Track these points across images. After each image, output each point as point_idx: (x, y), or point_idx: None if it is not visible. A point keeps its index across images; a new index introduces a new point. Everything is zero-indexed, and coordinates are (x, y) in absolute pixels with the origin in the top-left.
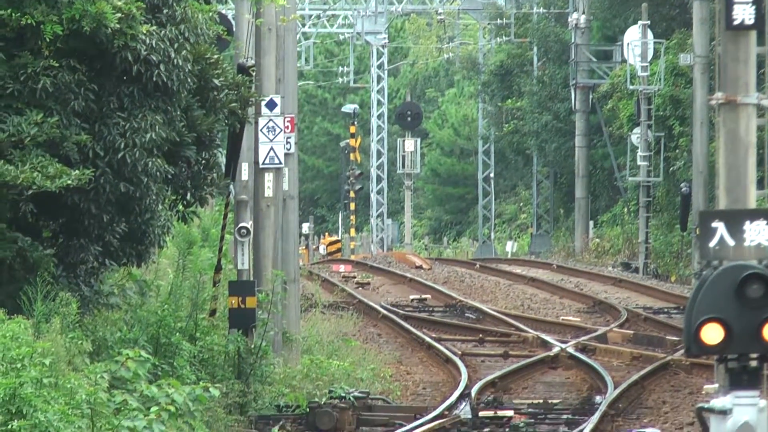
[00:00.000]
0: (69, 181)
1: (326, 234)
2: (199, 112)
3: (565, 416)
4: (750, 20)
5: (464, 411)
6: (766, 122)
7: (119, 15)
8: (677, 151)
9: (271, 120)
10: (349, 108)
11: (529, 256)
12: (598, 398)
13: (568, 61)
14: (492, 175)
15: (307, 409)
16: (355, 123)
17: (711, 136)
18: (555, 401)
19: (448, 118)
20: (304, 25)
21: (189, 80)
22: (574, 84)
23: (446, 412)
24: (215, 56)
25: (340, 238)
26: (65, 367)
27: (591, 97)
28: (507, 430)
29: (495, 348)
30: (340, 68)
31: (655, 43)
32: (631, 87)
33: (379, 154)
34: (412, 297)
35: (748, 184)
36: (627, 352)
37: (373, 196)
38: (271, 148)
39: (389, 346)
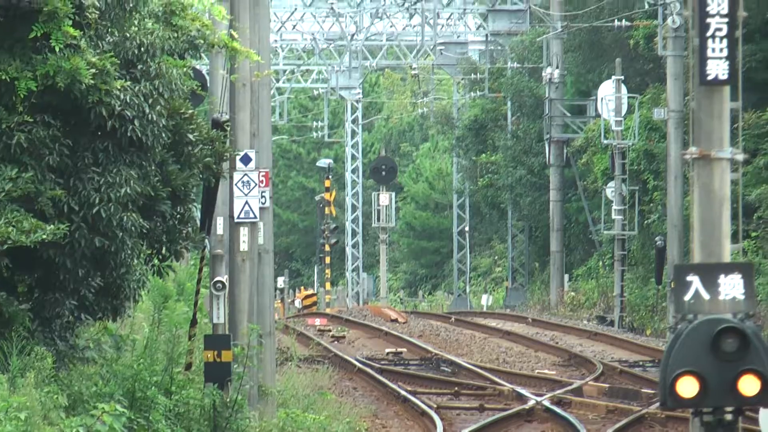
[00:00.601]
0: (44, 236)
1: (302, 288)
2: (173, 166)
3: None
4: (724, 75)
5: None
6: (739, 176)
7: (93, 71)
8: (651, 204)
9: (245, 174)
10: (323, 162)
11: (504, 310)
12: None
13: (542, 116)
14: (467, 228)
15: None
16: (330, 177)
17: (685, 190)
18: None
19: (423, 172)
20: (278, 80)
21: (163, 135)
22: (548, 138)
23: None
24: (190, 111)
25: (315, 291)
26: (41, 421)
27: (565, 151)
28: None
29: (470, 401)
30: (315, 123)
31: (629, 97)
32: (606, 141)
33: (354, 208)
34: (387, 350)
35: (722, 237)
36: (602, 405)
37: (348, 250)
38: (246, 203)
39: (365, 400)
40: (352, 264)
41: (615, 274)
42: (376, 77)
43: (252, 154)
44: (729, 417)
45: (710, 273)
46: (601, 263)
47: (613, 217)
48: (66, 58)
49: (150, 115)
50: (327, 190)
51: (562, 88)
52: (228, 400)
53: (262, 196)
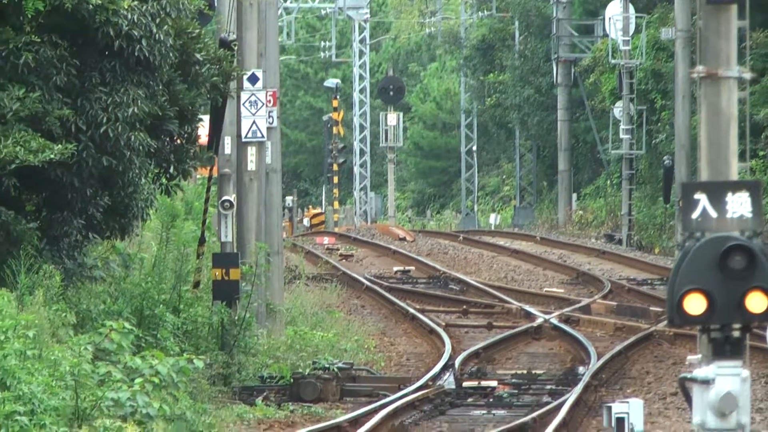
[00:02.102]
0: (52, 156)
1: (310, 207)
2: (181, 86)
3: (548, 387)
4: None
5: (448, 382)
6: (746, 95)
7: None
8: (659, 124)
9: (253, 94)
10: (331, 83)
11: (512, 229)
12: (581, 369)
13: (549, 36)
14: (474, 148)
15: (291, 380)
16: (338, 97)
17: (693, 109)
18: (538, 372)
19: (430, 92)
20: (285, 0)
21: (171, 55)
22: (555, 58)
23: (430, 383)
24: (197, 31)
25: (323, 211)
26: (49, 339)
27: (573, 71)
28: (490, 400)
29: (479, 319)
30: (322, 43)
31: (636, 17)
32: (613, 61)
33: (362, 128)
34: (395, 269)
35: (729, 156)
36: (610, 323)
37: (357, 170)
38: (254, 122)
39: (373, 318)
40: (360, 183)
41: (623, 193)
42: None
43: (259, 74)
44: (736, 334)
45: (718, 191)
46: (609, 182)
47: (621, 136)
48: None
49: (157, 35)
50: (335, 110)
51: (569, 8)
52: (236, 318)
53: (270, 116)
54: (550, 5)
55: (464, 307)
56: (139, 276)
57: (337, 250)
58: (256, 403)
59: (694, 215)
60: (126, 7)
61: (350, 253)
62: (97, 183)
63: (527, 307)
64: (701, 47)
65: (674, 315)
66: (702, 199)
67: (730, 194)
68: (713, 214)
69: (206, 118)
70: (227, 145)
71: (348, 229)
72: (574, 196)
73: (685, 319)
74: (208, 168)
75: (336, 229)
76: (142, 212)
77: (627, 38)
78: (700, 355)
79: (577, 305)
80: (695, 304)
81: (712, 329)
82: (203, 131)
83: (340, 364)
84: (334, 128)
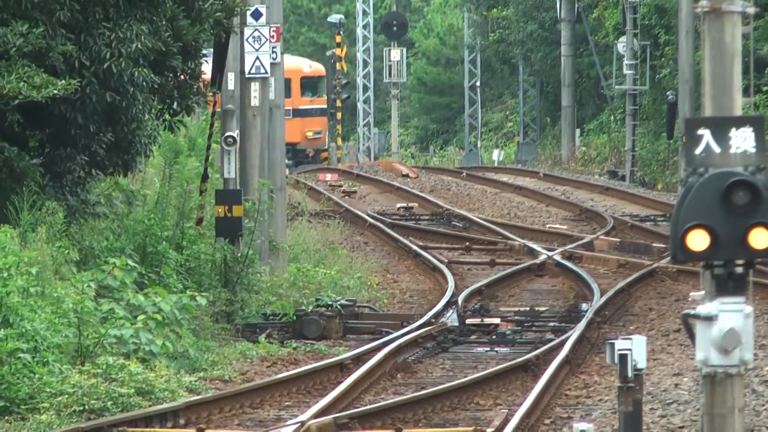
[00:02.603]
0: (55, 91)
1: None
2: (184, 21)
3: (551, 324)
4: None
5: (451, 318)
6: (750, 30)
7: None
8: (663, 59)
9: (256, 30)
10: (334, 18)
11: (515, 165)
12: (584, 306)
13: None
14: (478, 84)
15: (294, 317)
16: (341, 33)
17: (696, 45)
18: (541, 309)
19: (434, 27)
20: None
21: None
22: None
23: (433, 320)
24: None
25: (326, 146)
26: (52, 276)
27: (576, 5)
28: (494, 337)
29: (482, 256)
30: None
31: None
32: None
33: (365, 64)
34: (398, 205)
35: (733, 91)
36: (613, 259)
37: (360, 105)
38: (257, 58)
39: (376, 255)
40: (363, 119)
41: (626, 129)
42: None
43: (263, 9)
44: (739, 270)
45: (721, 126)
46: (612, 118)
47: (625, 72)
48: None
49: None
50: (338, 45)
51: None
52: (239, 255)
53: (273, 52)
54: None
55: (467, 244)
56: (142, 213)
57: (340, 186)
58: (259, 340)
59: (698, 151)
60: None
61: (353, 189)
62: (100, 119)
63: (530, 244)
64: None
65: (677, 251)
66: (705, 134)
67: (733, 129)
68: (717, 149)
69: (209, 53)
70: (230, 81)
71: (351, 166)
72: (578, 132)
73: (688, 255)
74: (212, 103)
75: (339, 166)
76: (146, 149)
77: None
78: (703, 292)
79: (580, 242)
80: (698, 239)
81: (715, 265)
82: (207, 67)
83: (342, 302)
84: (338, 64)
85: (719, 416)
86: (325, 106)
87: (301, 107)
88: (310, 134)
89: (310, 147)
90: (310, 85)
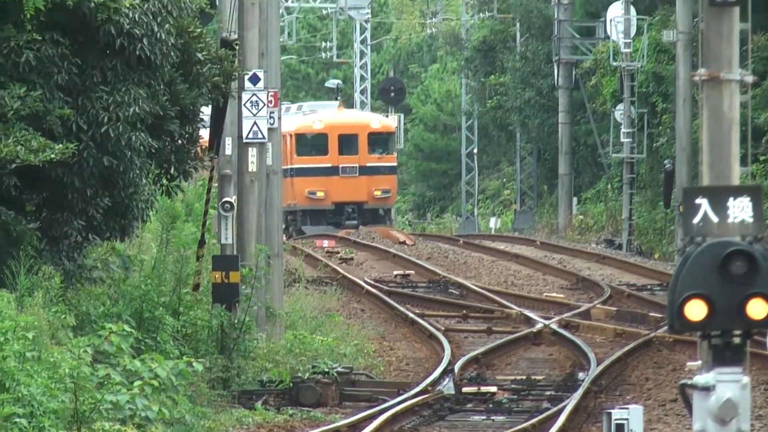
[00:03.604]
0: (52, 155)
1: None
2: (182, 86)
3: (548, 392)
4: None
5: (447, 387)
6: (749, 98)
7: None
8: (660, 127)
9: (254, 94)
10: (332, 83)
11: (512, 233)
12: (581, 375)
13: (551, 37)
14: (475, 150)
15: (291, 384)
16: (339, 98)
17: (694, 112)
18: (538, 377)
19: (431, 93)
20: (287, 0)
21: (172, 54)
22: (557, 60)
23: (429, 388)
24: (198, 30)
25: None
26: (48, 341)
27: (574, 73)
28: (490, 406)
29: (478, 324)
30: (323, 43)
31: (638, 19)
32: (614, 63)
33: None
34: (395, 273)
35: (731, 160)
36: (610, 328)
37: None
38: (255, 123)
39: (373, 322)
40: None
41: (623, 198)
42: None
43: (261, 74)
44: (737, 340)
45: (719, 195)
46: (609, 186)
47: (622, 140)
48: None
49: (159, 34)
50: None
51: (570, 9)
52: (236, 321)
53: (271, 117)
54: (552, 7)
55: (464, 311)
56: (138, 278)
57: (337, 253)
58: (256, 407)
59: (695, 220)
60: (127, 5)
61: (350, 256)
62: (97, 183)
63: (527, 312)
64: (703, 49)
65: (675, 320)
66: (703, 203)
67: (731, 199)
68: (714, 218)
69: (207, 117)
70: (228, 145)
71: (348, 233)
72: (575, 200)
73: (686, 324)
74: (209, 169)
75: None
76: (143, 213)
77: (628, 40)
78: (700, 362)
79: (577, 310)
80: (696, 309)
81: (712, 335)
82: (204, 132)
83: (339, 369)
84: None
85: None
86: (394, 164)
87: (369, 164)
88: (378, 193)
89: (378, 206)
90: (378, 141)
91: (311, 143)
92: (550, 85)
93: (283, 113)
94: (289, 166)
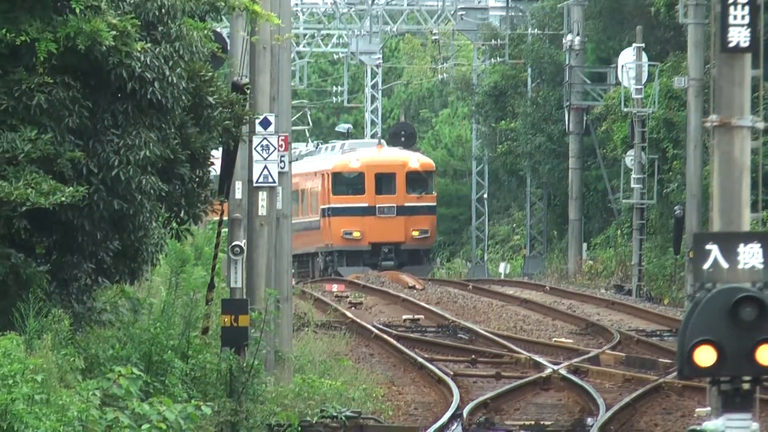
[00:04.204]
0: (63, 198)
1: None
2: (193, 129)
3: None
4: (745, 43)
5: None
6: (759, 145)
7: (114, 32)
8: (671, 173)
9: (265, 138)
10: (343, 127)
11: (522, 278)
12: (590, 420)
13: (562, 83)
14: (485, 195)
15: (299, 428)
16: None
17: (704, 159)
18: (547, 423)
19: (442, 138)
20: (298, 44)
21: (183, 98)
22: (568, 106)
23: None
24: (210, 74)
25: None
26: (57, 383)
27: (585, 118)
28: None
29: (487, 369)
30: (334, 87)
31: (649, 65)
32: (625, 109)
33: None
34: (404, 317)
35: (742, 206)
36: (619, 374)
37: None
38: (265, 167)
39: (381, 366)
40: None
41: (633, 243)
42: (396, 42)
43: (271, 118)
44: (746, 386)
45: (729, 242)
46: (619, 232)
47: (632, 185)
48: (87, 19)
49: (170, 78)
50: None
51: (582, 55)
52: (244, 364)
53: (281, 161)
54: (563, 52)
55: (473, 356)
56: (148, 321)
57: (347, 297)
58: None
59: (706, 266)
60: (139, 49)
61: (359, 300)
62: (107, 226)
63: (536, 357)
64: (715, 96)
65: (684, 366)
66: (714, 249)
67: (742, 245)
68: (725, 264)
69: (218, 161)
70: (238, 189)
71: (357, 277)
72: (585, 245)
73: (695, 370)
74: (219, 212)
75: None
76: (152, 257)
77: (639, 86)
78: (709, 408)
79: (586, 356)
80: (705, 355)
81: (722, 381)
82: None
83: (348, 413)
84: None
85: None
86: (433, 204)
87: (407, 204)
88: (416, 233)
89: (417, 247)
90: (417, 180)
91: (348, 182)
92: (560, 131)
93: (323, 152)
94: (327, 206)
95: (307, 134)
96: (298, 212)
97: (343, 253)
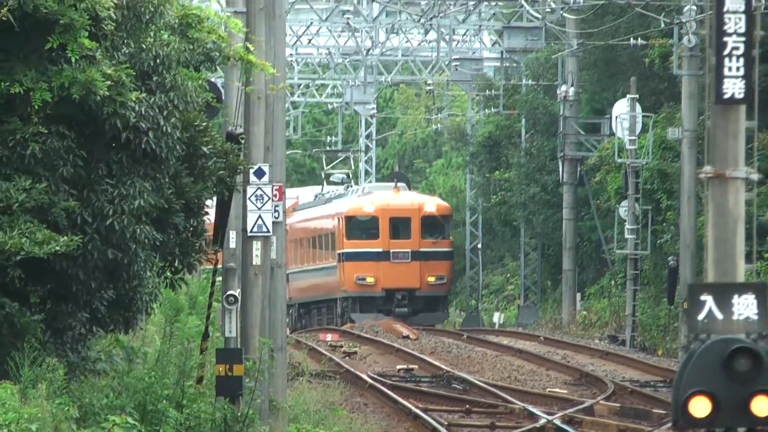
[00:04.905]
0: (57, 247)
1: None
2: (187, 179)
3: None
4: (740, 94)
5: None
6: (754, 196)
7: (109, 82)
8: (664, 224)
9: (259, 188)
10: (337, 177)
11: (516, 328)
12: None
13: (556, 134)
14: (479, 246)
15: None
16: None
17: (698, 210)
18: None
19: (436, 188)
20: (293, 94)
21: (178, 147)
22: (562, 156)
23: None
24: (204, 124)
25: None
26: None
27: (579, 169)
28: None
29: (482, 419)
30: (329, 137)
31: (643, 116)
32: (619, 160)
33: None
34: (399, 367)
35: (736, 257)
36: (613, 424)
37: None
38: (259, 216)
39: (376, 416)
40: None
41: (627, 294)
42: (390, 92)
43: (266, 168)
44: None
45: (724, 293)
46: (613, 282)
47: (626, 236)
48: (81, 69)
49: (165, 127)
50: None
51: (576, 106)
52: (239, 414)
53: (276, 210)
54: (557, 103)
55: (467, 406)
56: (142, 370)
57: (341, 347)
58: None
59: (700, 316)
60: (134, 99)
61: (353, 350)
62: (102, 275)
63: (531, 408)
64: (709, 147)
65: (679, 417)
66: (708, 300)
67: (736, 296)
68: (719, 315)
69: (212, 211)
70: (232, 239)
71: (351, 326)
72: (578, 295)
73: (690, 421)
74: (213, 262)
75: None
76: (147, 306)
77: (633, 137)
78: None
79: (581, 406)
80: (700, 406)
81: None
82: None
83: None
84: None
85: None
86: (449, 249)
87: (422, 249)
88: (431, 279)
89: (432, 294)
90: (433, 225)
91: (362, 226)
92: (554, 181)
93: (349, 195)
94: (341, 251)
95: (350, 177)
96: (317, 258)
97: (357, 299)
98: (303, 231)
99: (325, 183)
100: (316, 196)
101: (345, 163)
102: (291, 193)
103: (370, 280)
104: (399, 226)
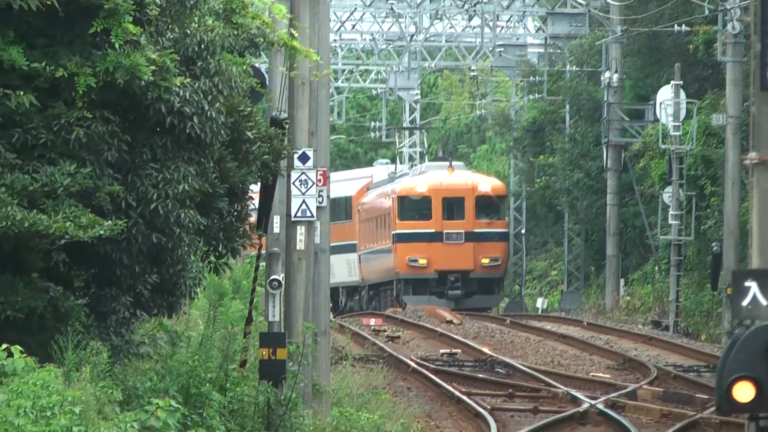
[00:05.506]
0: (101, 232)
1: None
2: (231, 164)
3: None
4: None
5: None
6: None
7: (153, 67)
8: (708, 210)
9: (303, 173)
10: (380, 162)
11: (559, 313)
12: None
13: (600, 120)
14: (523, 231)
15: None
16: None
17: (742, 196)
18: None
19: None
20: (337, 80)
21: (222, 132)
22: (606, 142)
23: None
24: (248, 109)
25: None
26: (95, 416)
27: (623, 155)
28: None
29: (524, 403)
30: (373, 123)
31: (687, 103)
32: (663, 146)
33: None
34: (442, 351)
35: None
36: (656, 409)
37: None
38: (303, 201)
39: (419, 400)
40: None
41: (671, 279)
42: (434, 78)
43: (310, 153)
44: None
45: None
46: (657, 268)
47: (670, 222)
48: (126, 54)
49: (209, 112)
50: None
51: (620, 92)
52: (282, 397)
53: (320, 195)
54: (601, 89)
55: (510, 390)
56: (185, 354)
57: (384, 331)
58: None
59: (744, 302)
60: (178, 84)
61: (397, 334)
62: (146, 260)
63: (573, 392)
64: (754, 133)
65: (722, 402)
66: (753, 286)
67: None
68: (763, 301)
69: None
70: (276, 224)
71: (395, 311)
72: (622, 281)
73: (734, 406)
74: (257, 247)
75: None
76: (190, 290)
77: (677, 123)
78: None
79: (623, 391)
80: (744, 391)
81: (761, 417)
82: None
83: None
84: None
85: None
86: (505, 230)
87: (476, 230)
88: (485, 261)
89: (487, 276)
90: (488, 205)
91: (414, 207)
92: (598, 167)
93: (410, 174)
94: (394, 231)
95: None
96: (380, 238)
97: (409, 281)
98: (372, 211)
99: (398, 161)
100: (388, 175)
101: (388, 148)
102: (366, 171)
103: (422, 261)
104: (452, 206)
